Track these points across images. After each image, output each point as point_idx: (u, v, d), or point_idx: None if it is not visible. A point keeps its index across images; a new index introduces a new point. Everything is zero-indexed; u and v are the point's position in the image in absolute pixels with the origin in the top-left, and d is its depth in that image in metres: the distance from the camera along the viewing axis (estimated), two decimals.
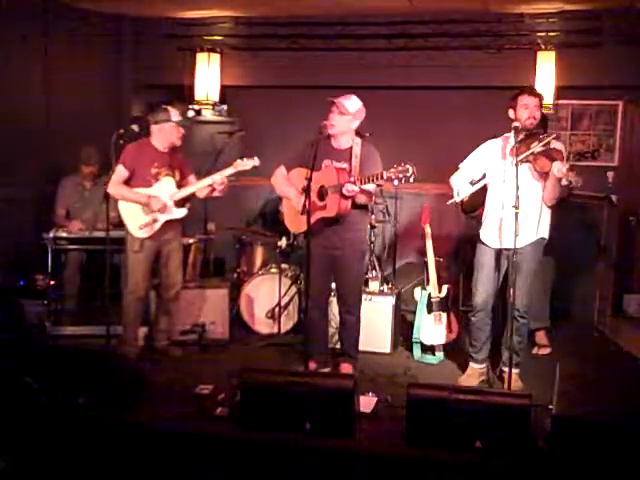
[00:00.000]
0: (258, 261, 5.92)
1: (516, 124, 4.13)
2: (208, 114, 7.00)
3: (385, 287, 5.34)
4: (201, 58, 6.57)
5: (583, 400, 3.85)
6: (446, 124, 6.31)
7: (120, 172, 4.63)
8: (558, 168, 3.97)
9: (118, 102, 6.89)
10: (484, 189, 4.43)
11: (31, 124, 5.66)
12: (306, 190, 4.08)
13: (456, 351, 5.08)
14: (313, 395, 3.54)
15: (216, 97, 6.66)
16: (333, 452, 3.47)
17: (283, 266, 5.55)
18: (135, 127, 4.67)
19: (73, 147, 5.67)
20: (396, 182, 4.07)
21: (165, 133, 4.71)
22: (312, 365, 4.47)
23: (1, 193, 5.44)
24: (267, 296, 5.48)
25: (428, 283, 5.12)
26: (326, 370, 4.60)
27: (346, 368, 4.60)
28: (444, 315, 5.09)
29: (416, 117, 6.48)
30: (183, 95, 6.79)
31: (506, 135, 4.35)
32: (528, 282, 4.30)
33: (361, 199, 4.33)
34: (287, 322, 5.44)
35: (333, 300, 4.82)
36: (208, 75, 6.57)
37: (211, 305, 5.28)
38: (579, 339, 5.50)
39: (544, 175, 4.16)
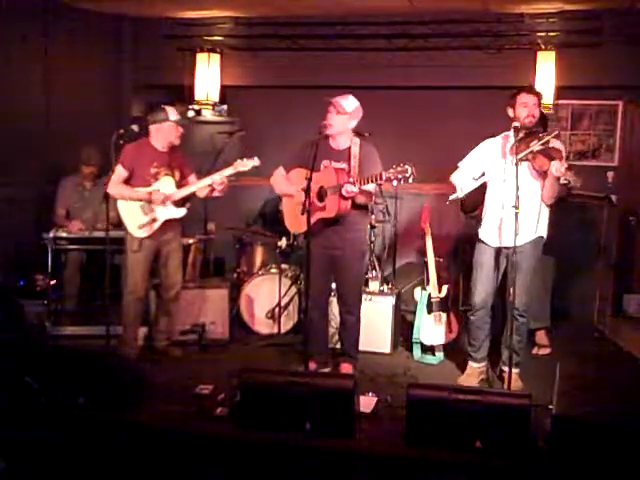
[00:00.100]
0: (258, 261, 5.92)
1: (516, 124, 4.13)
2: (208, 114, 7.00)
3: (385, 287, 5.35)
4: (201, 58, 6.56)
5: (583, 400, 3.86)
6: (446, 124, 6.31)
7: (119, 172, 4.63)
8: (556, 167, 3.97)
9: (118, 102, 6.89)
10: (483, 188, 4.43)
11: (31, 124, 5.66)
12: (306, 190, 4.08)
13: (456, 351, 5.08)
14: (313, 395, 3.54)
15: (216, 97, 6.65)
16: (333, 452, 3.47)
17: (283, 266, 5.55)
18: (135, 127, 4.67)
19: (73, 147, 5.67)
20: (395, 183, 4.06)
21: (163, 133, 4.71)
22: (312, 365, 4.47)
23: (1, 193, 5.45)
24: (267, 296, 5.48)
25: (428, 283, 5.12)
26: (326, 370, 4.61)
27: (346, 368, 4.60)
28: (444, 315, 5.09)
29: (416, 117, 6.47)
30: (183, 95, 6.79)
31: (505, 134, 4.35)
32: (527, 281, 4.30)
33: (360, 199, 4.33)
34: (287, 322, 5.44)
35: (333, 300, 4.83)
36: (208, 75, 6.56)
37: (211, 305, 5.28)
38: (579, 339, 5.50)
39: (543, 174, 4.16)
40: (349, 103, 4.35)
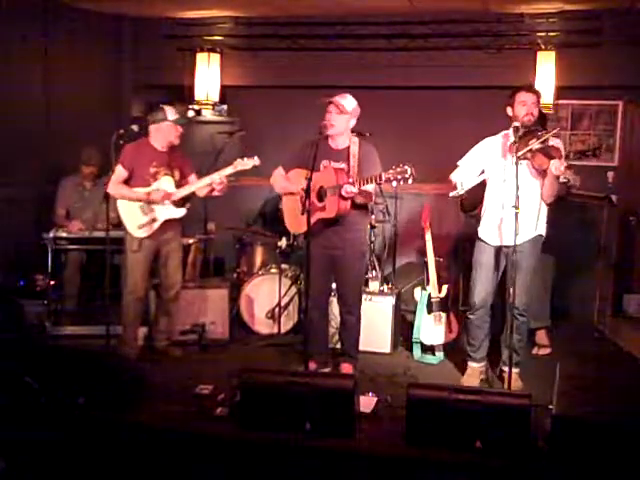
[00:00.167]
0: (258, 261, 5.92)
1: (516, 124, 4.13)
2: (208, 114, 7.01)
3: (385, 287, 5.35)
4: (201, 58, 6.56)
5: (583, 400, 3.86)
6: (446, 124, 6.31)
7: (119, 172, 4.63)
8: (556, 166, 3.98)
9: (118, 102, 6.89)
10: (483, 187, 4.43)
11: (31, 124, 5.65)
12: (306, 190, 4.08)
13: (456, 351, 5.08)
14: (313, 395, 3.54)
15: (216, 97, 6.65)
16: (333, 452, 3.47)
17: (283, 266, 5.55)
18: (135, 127, 4.67)
19: (73, 147, 5.67)
20: (394, 184, 4.06)
21: (162, 132, 4.71)
22: (312, 365, 4.47)
23: (1, 193, 5.45)
24: (267, 296, 5.48)
25: (428, 283, 5.12)
26: (326, 370, 4.61)
27: (346, 368, 4.60)
28: (444, 315, 5.09)
29: (416, 117, 6.47)
30: (183, 95, 6.78)
31: (505, 132, 4.35)
32: (527, 280, 4.30)
33: (360, 200, 4.33)
34: (287, 322, 5.44)
35: (333, 300, 4.83)
36: (208, 75, 6.56)
37: (211, 305, 5.28)
38: (579, 339, 5.50)
39: (542, 172, 4.16)
40: (349, 102, 4.35)
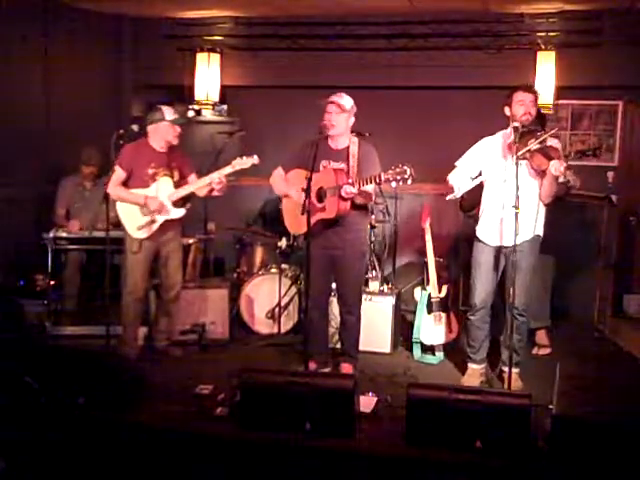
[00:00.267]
0: (258, 261, 5.92)
1: (516, 124, 4.12)
2: (208, 114, 7.01)
3: (385, 287, 5.35)
4: (201, 58, 6.56)
5: (583, 400, 3.87)
6: (446, 124, 6.30)
7: (118, 173, 4.63)
8: (556, 167, 3.98)
9: (118, 102, 6.89)
10: (482, 187, 4.43)
11: (31, 124, 5.65)
12: (306, 191, 4.08)
13: (456, 351, 5.08)
14: (313, 395, 3.54)
15: (216, 97, 6.65)
16: (333, 452, 3.47)
17: (283, 266, 5.55)
18: (135, 127, 4.68)
19: (73, 147, 5.67)
20: (394, 184, 4.05)
21: (160, 132, 4.70)
22: (312, 365, 4.47)
23: (1, 193, 5.44)
24: (267, 296, 5.48)
25: (428, 283, 5.12)
26: (326, 370, 4.61)
27: (346, 368, 4.60)
28: (444, 315, 5.09)
29: (416, 117, 6.47)
30: (183, 95, 6.78)
31: (503, 132, 4.35)
32: (527, 280, 4.29)
33: (360, 200, 4.33)
34: (287, 322, 5.45)
35: (333, 300, 4.83)
36: (208, 75, 6.56)
37: (211, 305, 5.28)
38: (579, 339, 5.50)
39: (541, 173, 4.16)
40: (346, 101, 4.36)
